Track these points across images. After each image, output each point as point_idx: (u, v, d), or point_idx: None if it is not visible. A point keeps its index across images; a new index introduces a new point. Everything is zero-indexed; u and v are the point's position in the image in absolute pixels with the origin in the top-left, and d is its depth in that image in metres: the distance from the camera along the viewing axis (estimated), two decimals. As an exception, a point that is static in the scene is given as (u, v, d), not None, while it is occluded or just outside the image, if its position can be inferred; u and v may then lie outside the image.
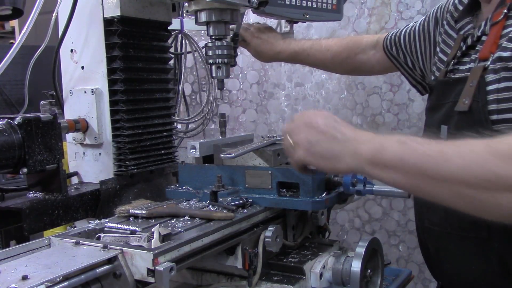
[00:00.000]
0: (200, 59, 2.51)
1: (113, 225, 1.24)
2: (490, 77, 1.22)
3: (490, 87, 1.22)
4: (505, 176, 0.88)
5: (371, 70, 1.95)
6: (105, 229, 1.24)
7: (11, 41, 4.78)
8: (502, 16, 1.27)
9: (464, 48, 1.40)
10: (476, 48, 1.35)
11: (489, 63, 1.24)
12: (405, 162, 1.00)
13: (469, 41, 1.38)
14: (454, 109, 1.29)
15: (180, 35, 2.37)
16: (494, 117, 1.20)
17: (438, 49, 1.55)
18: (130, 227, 1.21)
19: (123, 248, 1.04)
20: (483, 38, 1.32)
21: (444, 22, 1.55)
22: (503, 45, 1.22)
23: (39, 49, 1.86)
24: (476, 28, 1.37)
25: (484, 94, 1.23)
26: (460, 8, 1.48)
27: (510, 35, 1.22)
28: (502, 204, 0.90)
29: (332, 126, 1.15)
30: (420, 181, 0.99)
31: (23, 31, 1.63)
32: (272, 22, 2.13)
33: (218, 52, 1.56)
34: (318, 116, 1.19)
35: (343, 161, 1.10)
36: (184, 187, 1.51)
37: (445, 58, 1.48)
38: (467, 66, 1.36)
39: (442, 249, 1.40)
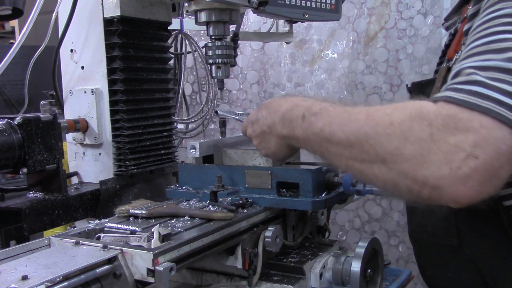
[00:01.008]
0: (200, 59, 2.52)
1: (113, 225, 1.24)
2: None
3: None
4: (377, 148, 0.87)
5: None
6: (105, 229, 1.24)
7: (11, 41, 4.77)
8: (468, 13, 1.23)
9: (443, 47, 1.39)
10: (449, 48, 1.34)
11: (452, 63, 1.21)
12: (309, 139, 1.02)
13: (447, 40, 1.37)
14: None
15: (180, 35, 2.37)
16: None
17: None
18: (130, 227, 1.21)
19: (123, 248, 1.04)
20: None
21: None
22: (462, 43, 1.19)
23: (39, 49, 1.86)
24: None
25: None
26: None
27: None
28: (376, 174, 0.89)
29: (261, 124, 1.21)
30: (323, 153, 1.01)
31: (23, 31, 1.63)
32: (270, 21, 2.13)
33: (218, 52, 1.55)
34: (249, 130, 1.29)
35: (281, 146, 1.18)
36: (184, 187, 1.51)
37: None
38: (442, 66, 1.34)
39: (422, 256, 1.40)
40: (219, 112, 1.62)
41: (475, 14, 1.03)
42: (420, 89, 1.39)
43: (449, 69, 1.22)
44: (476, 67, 0.85)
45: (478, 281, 1.21)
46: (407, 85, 1.62)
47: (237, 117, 1.58)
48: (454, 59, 1.22)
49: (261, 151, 1.29)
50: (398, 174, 0.85)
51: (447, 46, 1.40)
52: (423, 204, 0.89)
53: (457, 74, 0.88)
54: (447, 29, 1.47)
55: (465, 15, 1.27)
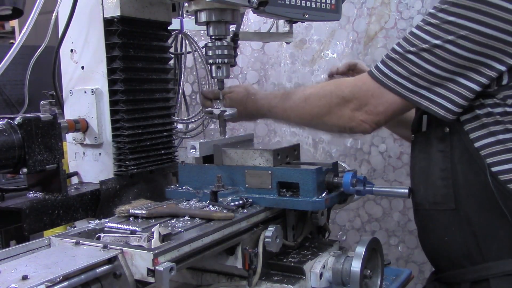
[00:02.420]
0: (200, 59, 2.51)
1: (113, 225, 1.24)
2: None
3: None
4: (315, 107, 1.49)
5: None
6: (105, 229, 1.24)
7: (11, 41, 4.78)
8: None
9: None
10: None
11: None
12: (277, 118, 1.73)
13: None
14: None
15: (180, 35, 2.37)
16: None
17: None
18: (130, 227, 1.21)
19: (123, 248, 1.05)
20: None
21: None
22: None
23: (39, 49, 1.86)
24: None
25: None
26: None
27: None
28: (328, 124, 1.50)
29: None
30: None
31: (23, 31, 1.63)
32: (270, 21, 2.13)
33: (218, 52, 1.56)
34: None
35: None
36: (184, 187, 1.51)
37: None
38: None
39: (424, 227, 1.51)
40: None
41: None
42: None
43: None
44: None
45: (471, 242, 1.35)
46: None
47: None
48: None
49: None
50: (331, 123, 1.48)
51: None
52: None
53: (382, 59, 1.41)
54: None
55: None
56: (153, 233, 1.10)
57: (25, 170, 1.43)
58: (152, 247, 1.07)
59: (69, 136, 1.74)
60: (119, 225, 1.24)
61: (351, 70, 1.89)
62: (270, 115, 1.70)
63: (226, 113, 1.62)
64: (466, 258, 1.38)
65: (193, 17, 1.58)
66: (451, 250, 1.41)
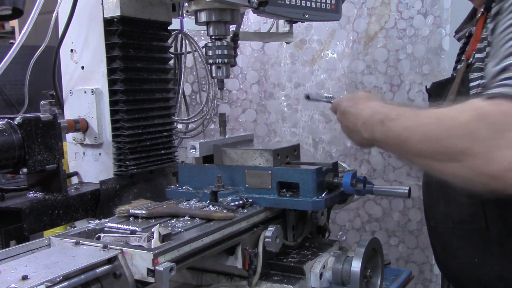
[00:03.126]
0: (200, 59, 2.51)
1: (113, 225, 1.24)
2: (474, 74, 1.28)
3: (472, 83, 1.28)
4: (450, 148, 0.96)
5: None
6: (105, 229, 1.24)
7: (11, 41, 4.77)
8: (480, 14, 1.33)
9: (459, 51, 1.45)
10: (466, 49, 1.42)
11: (471, 60, 1.31)
12: (388, 142, 1.14)
13: (461, 44, 1.45)
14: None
15: (180, 35, 2.37)
16: None
17: None
18: (130, 227, 1.21)
19: (123, 248, 1.04)
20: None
21: None
22: (478, 46, 1.28)
23: (39, 49, 1.86)
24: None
25: (467, 90, 1.29)
26: None
27: (482, 36, 1.27)
28: (454, 172, 0.97)
29: (346, 119, 1.32)
30: (402, 154, 1.14)
31: (23, 31, 1.63)
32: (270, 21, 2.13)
33: (218, 52, 1.55)
34: (339, 107, 1.37)
35: (359, 136, 1.25)
36: (184, 187, 1.51)
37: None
38: (458, 67, 1.44)
39: (447, 247, 1.42)
40: (310, 97, 1.64)
41: (498, 13, 1.10)
42: (440, 89, 1.46)
43: (468, 66, 1.32)
44: None
45: (505, 265, 1.25)
46: (426, 86, 1.66)
47: (326, 100, 1.61)
48: (475, 57, 1.29)
49: (342, 128, 1.38)
50: (471, 171, 0.93)
51: (463, 50, 1.49)
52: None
53: (503, 70, 0.95)
54: (459, 39, 1.55)
55: (477, 17, 1.37)
56: (153, 233, 1.10)
57: (25, 170, 1.43)
58: (152, 247, 1.07)
59: (69, 136, 1.74)
60: (119, 225, 1.24)
61: None
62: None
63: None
64: (500, 279, 1.28)
65: (193, 17, 1.58)
66: (482, 272, 1.31)
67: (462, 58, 1.44)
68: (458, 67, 1.46)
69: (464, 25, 1.55)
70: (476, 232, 1.29)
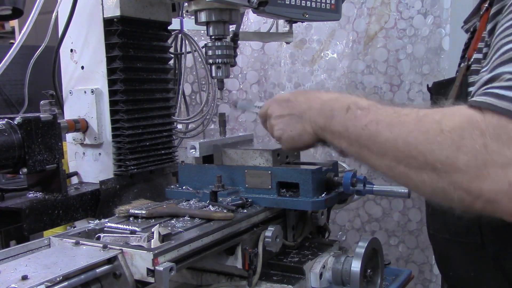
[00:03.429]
0: (200, 59, 2.51)
1: (113, 225, 1.24)
2: (472, 78, 1.19)
3: (471, 89, 1.18)
4: (427, 155, 0.84)
5: None
6: (105, 229, 1.24)
7: (11, 41, 4.77)
8: (484, 10, 1.24)
9: (464, 46, 1.40)
10: (470, 46, 1.34)
11: (472, 61, 1.22)
12: (348, 132, 0.99)
13: (466, 39, 1.39)
14: None
15: (180, 35, 2.37)
16: None
17: None
18: (130, 227, 1.21)
19: (123, 248, 1.04)
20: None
21: None
22: (478, 45, 1.19)
23: (39, 49, 1.86)
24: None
25: (465, 95, 1.20)
26: None
27: (483, 34, 1.16)
28: (425, 181, 0.86)
29: (292, 106, 1.17)
30: (361, 151, 0.98)
31: (23, 31, 1.63)
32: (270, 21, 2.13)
33: (218, 52, 1.55)
34: (273, 107, 1.23)
35: (306, 134, 1.13)
36: (184, 187, 1.51)
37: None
38: (461, 65, 1.35)
39: (445, 256, 1.39)
40: (237, 105, 1.58)
41: (497, 13, 1.01)
42: (441, 89, 1.39)
43: (468, 68, 1.22)
44: None
45: (502, 281, 1.19)
46: (427, 85, 1.62)
47: (256, 111, 1.54)
48: (473, 58, 1.22)
49: (274, 133, 1.24)
50: (449, 184, 0.82)
51: (467, 45, 1.40)
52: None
53: (494, 79, 0.85)
54: (466, 31, 1.46)
55: (481, 12, 1.27)
56: (153, 233, 1.10)
57: (25, 170, 1.43)
58: (152, 247, 1.07)
59: (69, 136, 1.74)
60: (119, 225, 1.23)
61: None
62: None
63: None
64: None
65: (193, 17, 1.58)
66: (479, 285, 1.27)
67: (466, 56, 1.36)
68: (461, 65, 1.37)
69: (471, 16, 1.45)
70: (472, 246, 1.23)
